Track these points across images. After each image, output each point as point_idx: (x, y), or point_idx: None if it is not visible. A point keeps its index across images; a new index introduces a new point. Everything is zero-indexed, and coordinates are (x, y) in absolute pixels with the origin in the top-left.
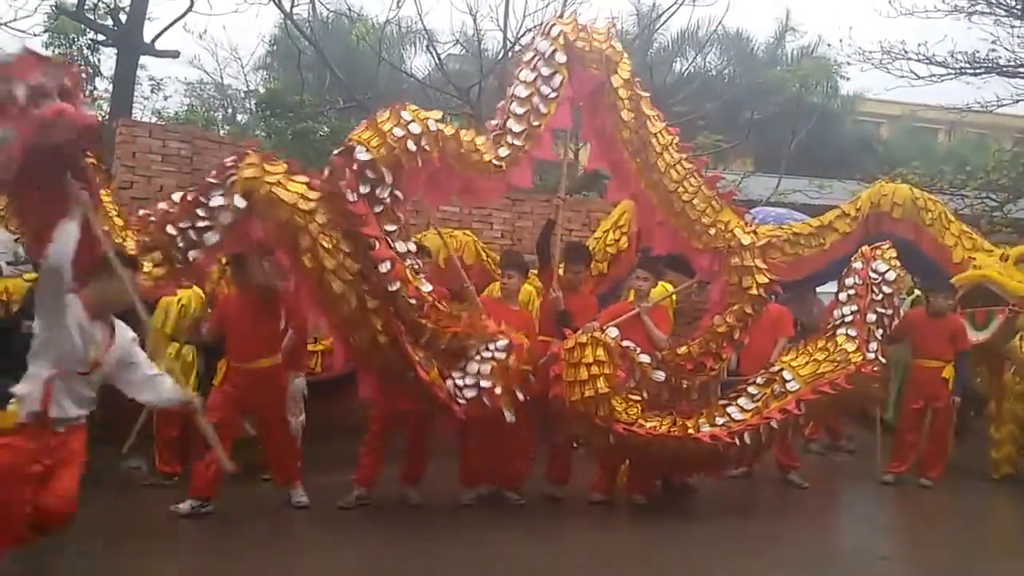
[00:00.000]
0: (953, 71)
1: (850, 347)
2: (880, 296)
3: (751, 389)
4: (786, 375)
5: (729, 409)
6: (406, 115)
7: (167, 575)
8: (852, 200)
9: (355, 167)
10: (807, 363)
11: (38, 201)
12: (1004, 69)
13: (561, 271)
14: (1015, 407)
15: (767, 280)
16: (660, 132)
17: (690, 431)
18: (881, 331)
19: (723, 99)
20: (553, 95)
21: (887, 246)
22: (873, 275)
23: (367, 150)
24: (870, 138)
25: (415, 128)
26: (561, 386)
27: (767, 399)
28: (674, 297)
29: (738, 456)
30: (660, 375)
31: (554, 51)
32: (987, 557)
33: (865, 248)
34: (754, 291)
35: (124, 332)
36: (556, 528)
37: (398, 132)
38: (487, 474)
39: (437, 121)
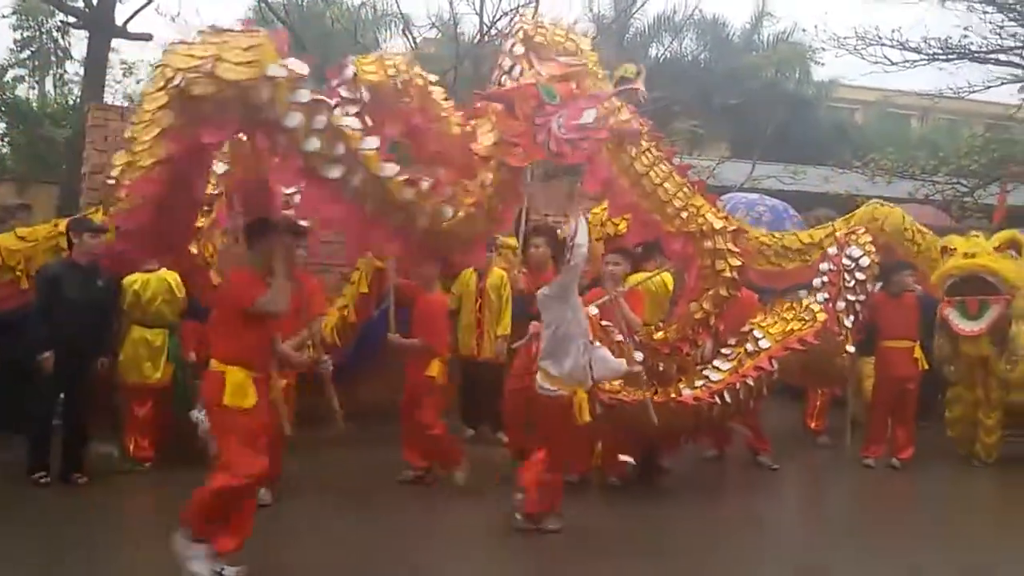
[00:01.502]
0: (926, 57)
1: (816, 307)
2: (852, 283)
3: (724, 350)
4: (757, 334)
5: (706, 372)
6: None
7: (153, 564)
8: (844, 218)
9: None
10: (776, 322)
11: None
12: (976, 55)
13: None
14: (1003, 393)
15: (740, 263)
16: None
17: (672, 395)
18: (852, 317)
19: (699, 84)
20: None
21: (861, 231)
22: (847, 261)
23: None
24: (844, 124)
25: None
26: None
27: (741, 358)
28: (670, 285)
29: (720, 416)
30: (639, 355)
31: (513, 45)
32: (958, 535)
33: (840, 234)
34: (728, 274)
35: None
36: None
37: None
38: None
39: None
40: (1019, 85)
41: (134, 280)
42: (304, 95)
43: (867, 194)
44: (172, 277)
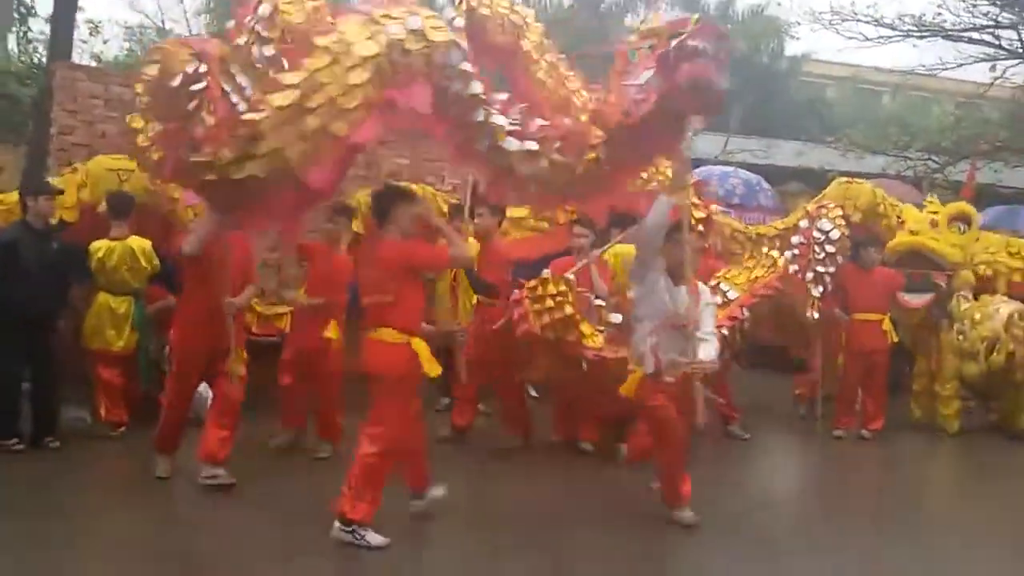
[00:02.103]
0: (901, 33)
1: (775, 255)
2: (822, 255)
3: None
4: (724, 287)
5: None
6: None
7: (130, 528)
8: (817, 198)
9: None
10: (740, 272)
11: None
12: (949, 33)
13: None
14: (956, 363)
15: (704, 215)
16: (578, 90)
17: None
18: (820, 288)
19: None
20: None
21: (832, 205)
22: (817, 234)
23: None
24: (817, 99)
25: None
26: (528, 322)
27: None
28: None
29: None
30: (617, 317)
31: (454, 18)
32: (920, 502)
33: (810, 207)
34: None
35: (706, 294)
36: (521, 470)
37: None
38: None
39: None
40: (990, 64)
41: (99, 247)
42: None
43: (839, 169)
44: (138, 244)
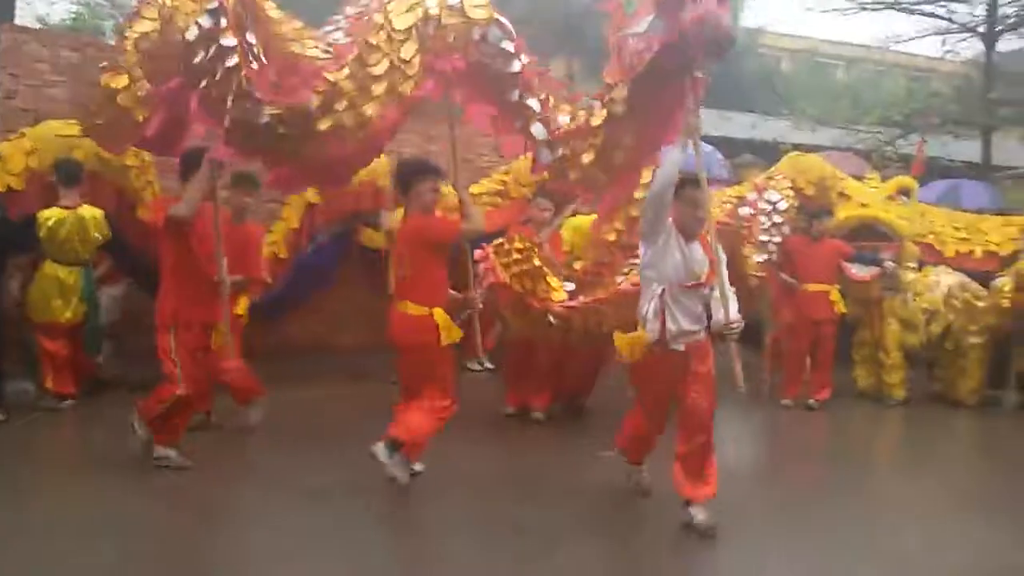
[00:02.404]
0: (855, 6)
1: (716, 210)
2: (768, 224)
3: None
4: None
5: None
6: None
7: (80, 501)
8: (769, 172)
9: None
10: None
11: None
12: (903, 5)
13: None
14: (900, 333)
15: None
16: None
17: (612, 288)
18: (764, 256)
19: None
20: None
21: (780, 177)
22: (764, 205)
23: None
24: (771, 72)
25: None
26: (495, 274)
27: None
28: None
29: None
30: (569, 285)
31: None
32: (867, 469)
33: (758, 179)
34: (638, 193)
35: (719, 251)
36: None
37: None
38: None
39: None
40: (942, 38)
41: (49, 216)
42: (511, 45)
43: (793, 141)
44: (89, 213)
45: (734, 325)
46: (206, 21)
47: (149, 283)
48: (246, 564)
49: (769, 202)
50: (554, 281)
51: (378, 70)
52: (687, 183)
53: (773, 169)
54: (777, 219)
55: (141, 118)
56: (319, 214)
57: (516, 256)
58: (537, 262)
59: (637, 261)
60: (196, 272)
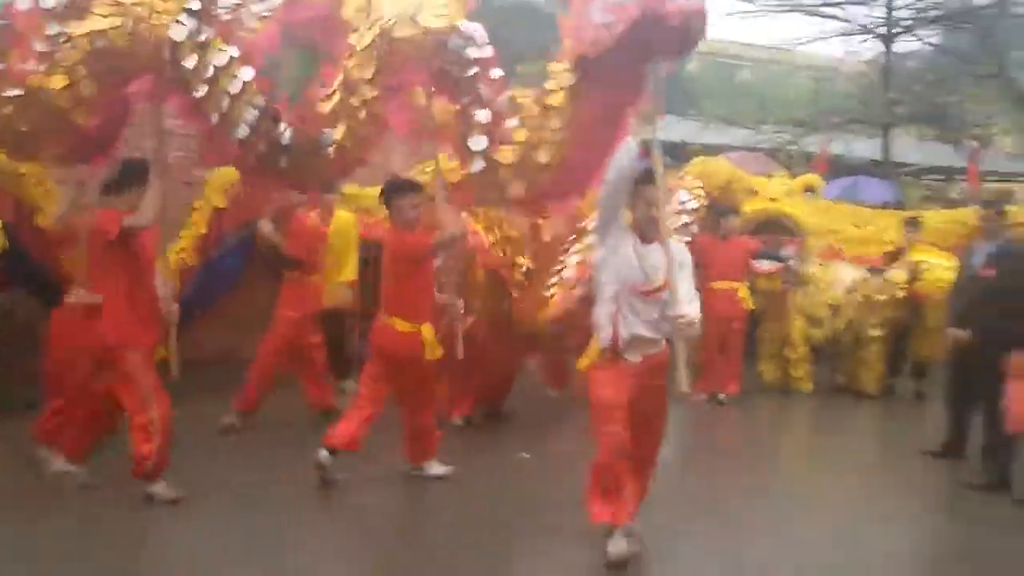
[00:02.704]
0: (761, 9)
1: None
2: (678, 224)
3: (570, 250)
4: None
5: (564, 272)
6: None
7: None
8: (678, 176)
9: None
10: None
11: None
12: (806, 7)
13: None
14: (805, 328)
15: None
16: None
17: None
18: None
19: (545, 28)
20: (266, 14)
21: (690, 178)
22: (675, 205)
23: None
24: (677, 73)
25: None
26: (477, 236)
27: (583, 252)
28: None
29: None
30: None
31: None
32: (776, 460)
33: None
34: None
35: (681, 253)
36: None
37: None
38: None
39: None
40: (843, 39)
41: None
42: (475, 51)
43: (701, 142)
44: None
45: (682, 320)
46: (188, 23)
47: (45, 293)
48: None
49: (679, 203)
50: (522, 259)
51: (356, 100)
52: (641, 179)
53: (684, 174)
54: (687, 219)
55: (80, 120)
56: (227, 219)
57: (499, 224)
58: (515, 233)
59: (571, 275)
60: (146, 289)
